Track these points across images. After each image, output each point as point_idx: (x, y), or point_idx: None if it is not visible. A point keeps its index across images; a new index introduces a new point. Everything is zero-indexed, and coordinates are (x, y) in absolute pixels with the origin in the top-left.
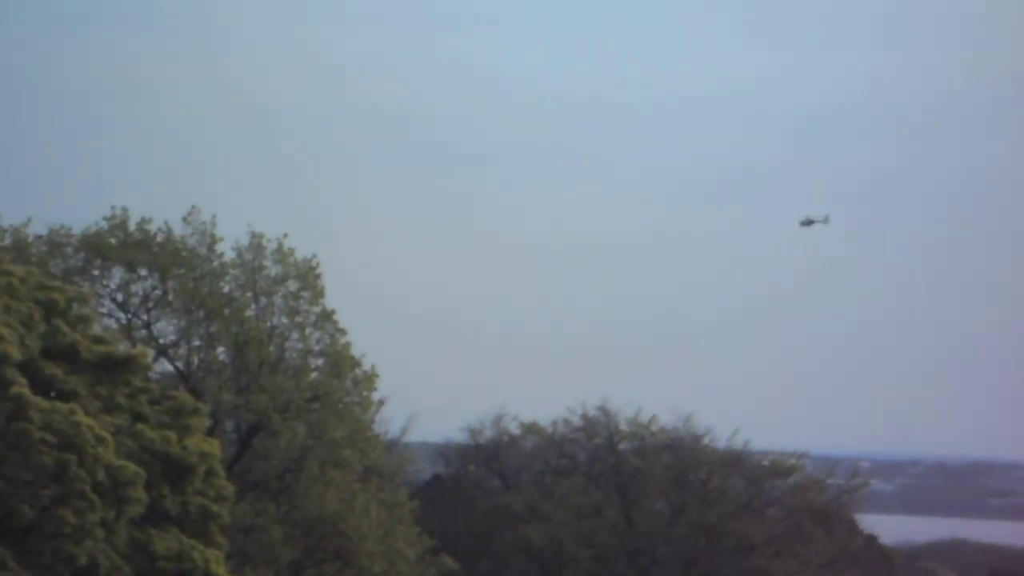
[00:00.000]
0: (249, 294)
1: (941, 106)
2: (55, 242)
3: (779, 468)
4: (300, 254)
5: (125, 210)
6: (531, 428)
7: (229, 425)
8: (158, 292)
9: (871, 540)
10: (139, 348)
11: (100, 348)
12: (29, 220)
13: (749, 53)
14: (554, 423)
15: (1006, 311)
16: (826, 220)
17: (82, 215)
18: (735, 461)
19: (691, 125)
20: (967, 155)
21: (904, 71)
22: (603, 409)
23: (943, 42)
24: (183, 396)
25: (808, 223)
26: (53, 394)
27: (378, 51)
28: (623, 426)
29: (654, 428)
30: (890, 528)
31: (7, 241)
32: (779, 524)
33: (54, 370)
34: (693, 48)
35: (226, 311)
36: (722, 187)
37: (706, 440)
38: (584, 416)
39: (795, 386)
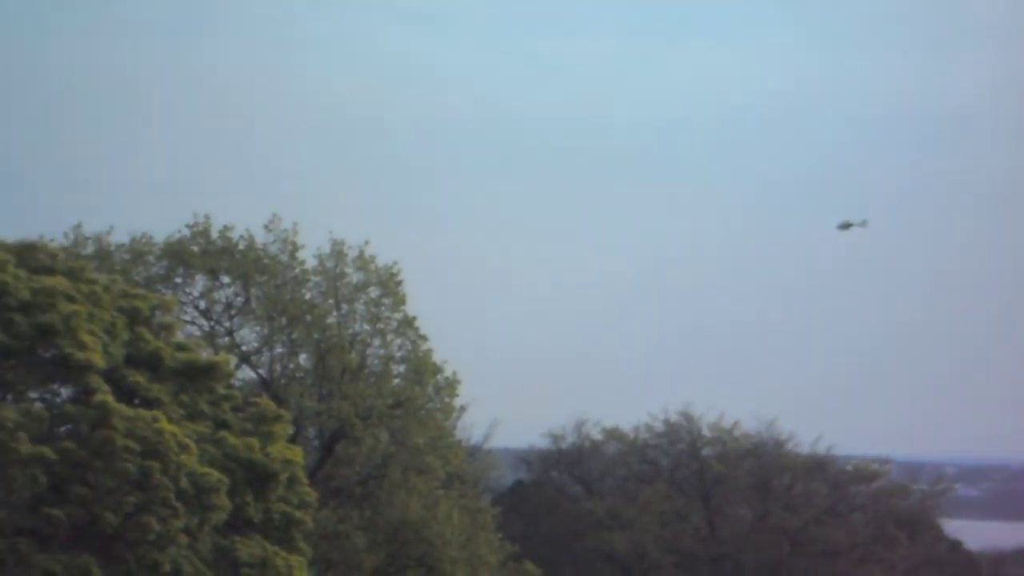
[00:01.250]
0: (331, 301)
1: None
2: (137, 250)
3: (863, 473)
4: (381, 261)
5: (207, 218)
6: (613, 434)
7: (312, 432)
8: (240, 299)
9: (956, 545)
10: (222, 355)
11: (183, 356)
12: (111, 228)
13: (801, 58)
14: (636, 428)
15: None
16: (864, 224)
17: (164, 223)
18: (819, 466)
19: (758, 131)
20: None
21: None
22: (685, 414)
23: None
24: (266, 403)
25: (846, 227)
26: (136, 401)
27: (469, 55)
28: (705, 431)
29: (737, 433)
30: (975, 533)
31: (90, 249)
32: (864, 529)
33: (137, 378)
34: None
35: (308, 318)
36: (791, 194)
37: (789, 445)
38: (666, 421)
39: (879, 392)
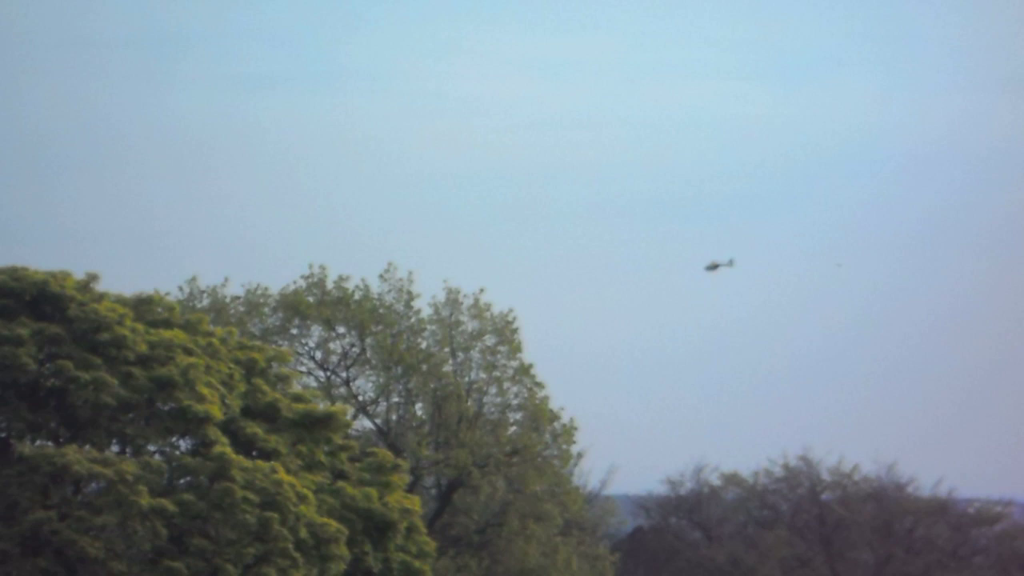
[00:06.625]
0: (446, 349)
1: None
2: (253, 302)
3: (985, 516)
4: (496, 308)
5: (323, 268)
6: (732, 479)
7: (429, 481)
8: (356, 349)
9: None
10: (339, 406)
11: (300, 406)
12: (226, 280)
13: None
14: (755, 473)
15: None
16: (731, 263)
17: (278, 274)
18: (940, 509)
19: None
20: None
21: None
22: (804, 459)
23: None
24: (383, 453)
25: (713, 267)
26: (254, 453)
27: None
28: (825, 476)
29: (857, 477)
30: None
31: (205, 302)
32: (987, 573)
33: (255, 429)
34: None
35: (424, 367)
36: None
37: (910, 488)
38: (785, 466)
39: (1000, 433)
